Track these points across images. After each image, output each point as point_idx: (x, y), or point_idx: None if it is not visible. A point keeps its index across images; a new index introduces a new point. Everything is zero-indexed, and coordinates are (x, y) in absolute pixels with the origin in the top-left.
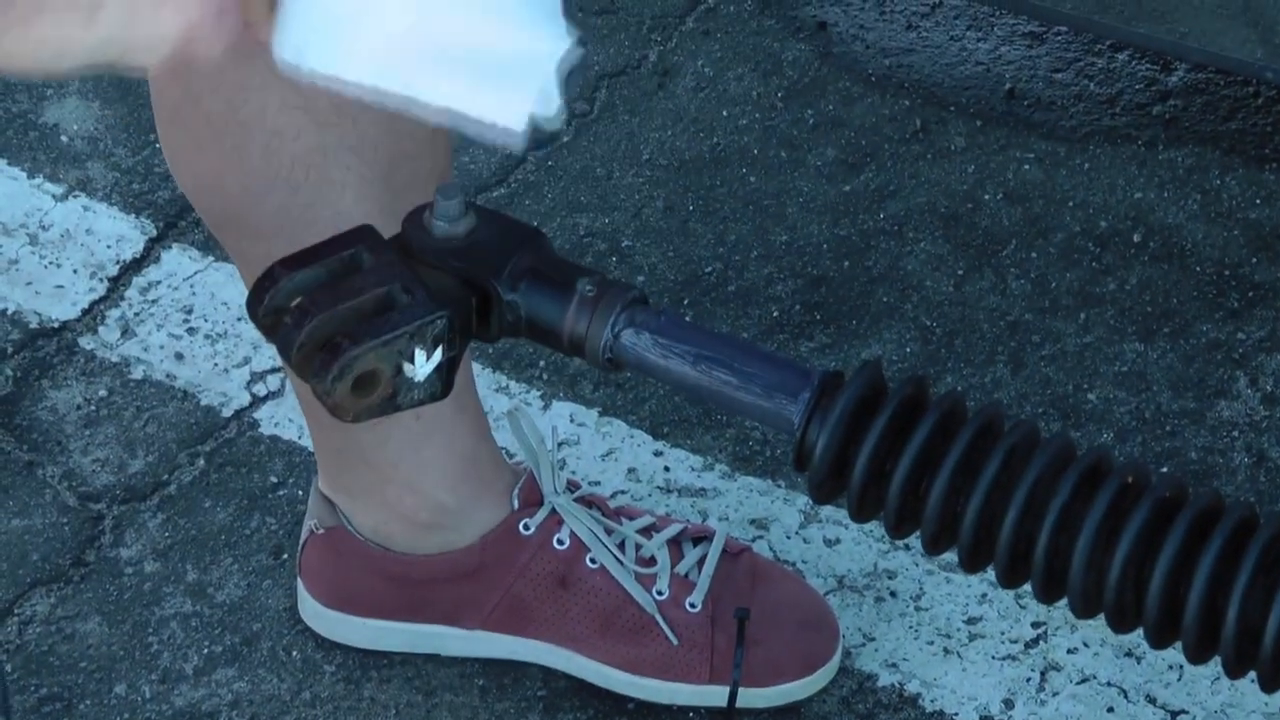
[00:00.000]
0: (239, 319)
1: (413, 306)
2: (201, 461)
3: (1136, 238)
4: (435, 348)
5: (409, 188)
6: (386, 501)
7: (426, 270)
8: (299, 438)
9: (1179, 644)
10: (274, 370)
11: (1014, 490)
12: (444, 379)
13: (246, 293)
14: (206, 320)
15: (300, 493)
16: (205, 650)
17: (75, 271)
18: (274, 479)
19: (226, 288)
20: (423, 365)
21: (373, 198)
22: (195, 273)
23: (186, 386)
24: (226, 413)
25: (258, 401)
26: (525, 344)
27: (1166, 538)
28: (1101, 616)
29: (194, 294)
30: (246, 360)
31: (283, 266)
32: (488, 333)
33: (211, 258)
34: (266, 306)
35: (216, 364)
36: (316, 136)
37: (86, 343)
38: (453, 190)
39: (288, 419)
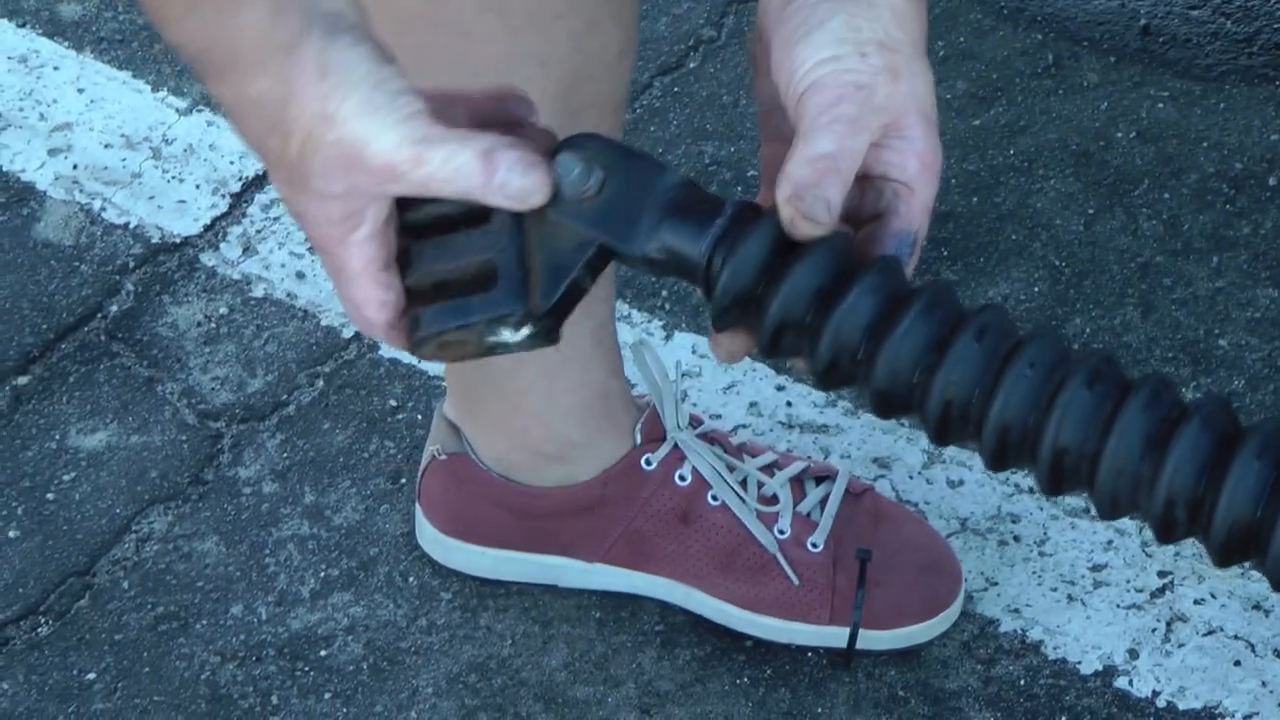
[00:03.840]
0: None
1: (497, 294)
2: (321, 383)
3: (1272, 181)
4: (518, 329)
5: (587, 109)
6: (513, 431)
7: (545, 228)
8: (418, 361)
9: None
10: None
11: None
12: (542, 339)
13: None
14: None
15: (419, 417)
16: (322, 573)
17: (198, 187)
18: (393, 402)
19: None
20: (508, 337)
21: (551, 114)
22: None
23: (307, 306)
24: (346, 334)
25: None
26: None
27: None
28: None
29: None
30: None
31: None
32: (626, 263)
33: None
34: (404, 222)
35: None
36: (507, 43)
37: (208, 259)
38: (572, 146)
39: None
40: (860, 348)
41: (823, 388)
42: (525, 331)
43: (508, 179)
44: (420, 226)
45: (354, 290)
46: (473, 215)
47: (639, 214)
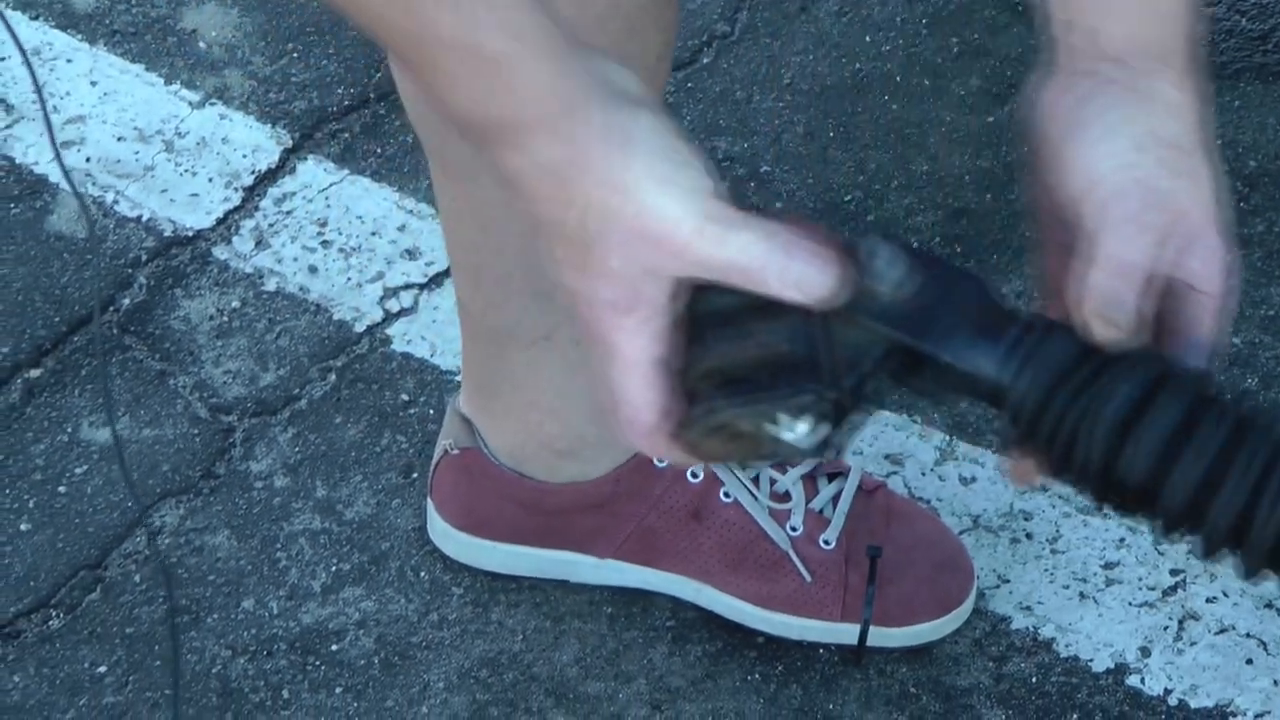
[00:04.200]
0: (373, 233)
1: (792, 374)
2: (333, 376)
3: None
4: (803, 415)
5: None
6: (528, 426)
7: (847, 325)
8: (431, 356)
9: None
10: (407, 287)
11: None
12: (820, 442)
13: (384, 206)
14: (341, 233)
15: (431, 411)
16: (333, 568)
17: (210, 180)
18: (405, 397)
19: (362, 201)
20: (792, 431)
21: None
22: (330, 185)
23: (319, 300)
24: (359, 328)
25: (390, 318)
26: None
27: None
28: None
29: (329, 206)
30: (380, 275)
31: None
32: (924, 388)
33: (347, 170)
34: (688, 311)
35: (350, 278)
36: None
37: (220, 253)
38: (890, 248)
39: (420, 336)
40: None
41: (1104, 508)
42: (813, 427)
43: (804, 271)
44: (700, 318)
45: (623, 384)
46: (759, 309)
47: (949, 321)
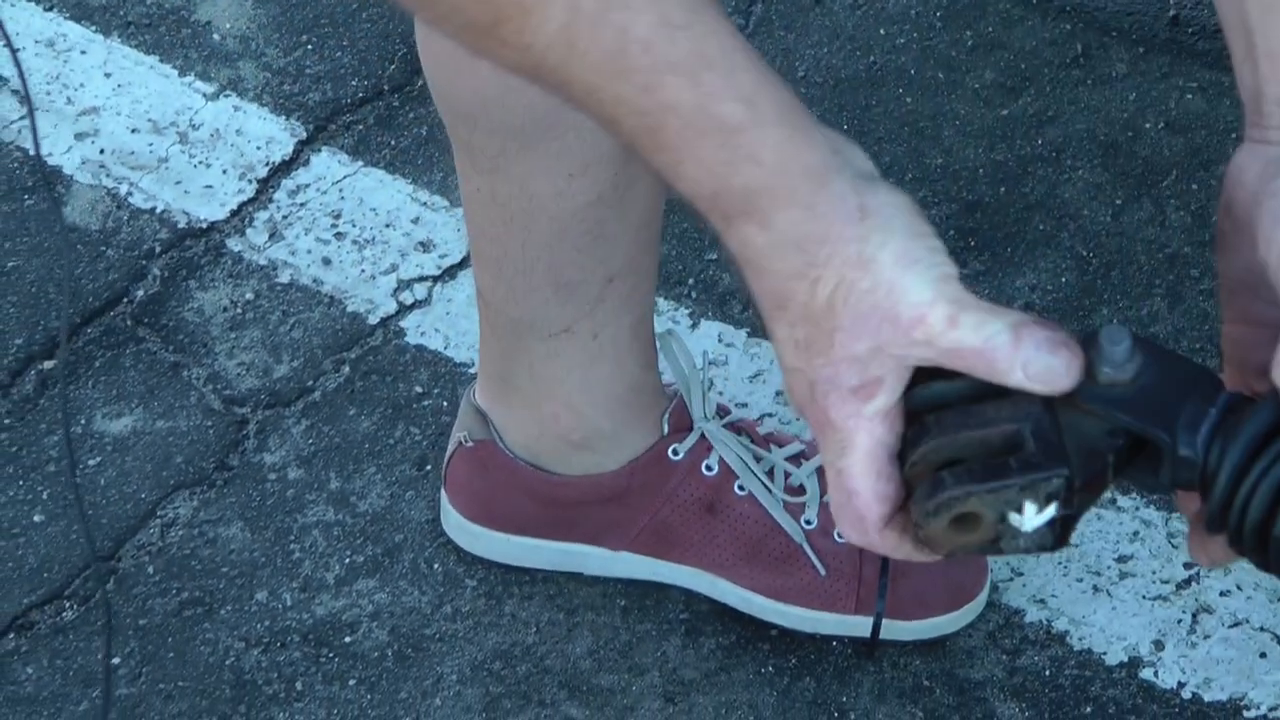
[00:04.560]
0: (387, 225)
1: (1034, 457)
2: (346, 369)
3: None
4: (1049, 503)
5: None
6: (542, 418)
7: (1074, 412)
8: (444, 348)
9: None
10: (421, 279)
11: None
12: (1056, 533)
13: (398, 198)
14: (354, 225)
15: (445, 404)
16: (347, 560)
17: (224, 172)
18: (419, 389)
19: (376, 193)
20: (1031, 518)
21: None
22: (344, 177)
23: (333, 292)
24: (372, 320)
25: (404, 310)
26: (673, 260)
27: None
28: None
29: (342, 199)
30: (394, 267)
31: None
32: (1155, 483)
33: (361, 162)
34: (909, 404)
35: (363, 270)
36: None
37: (234, 244)
38: (1120, 334)
39: (434, 329)
40: None
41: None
42: (1048, 514)
43: (1035, 356)
44: (918, 407)
45: (857, 475)
46: (979, 399)
47: (1177, 410)
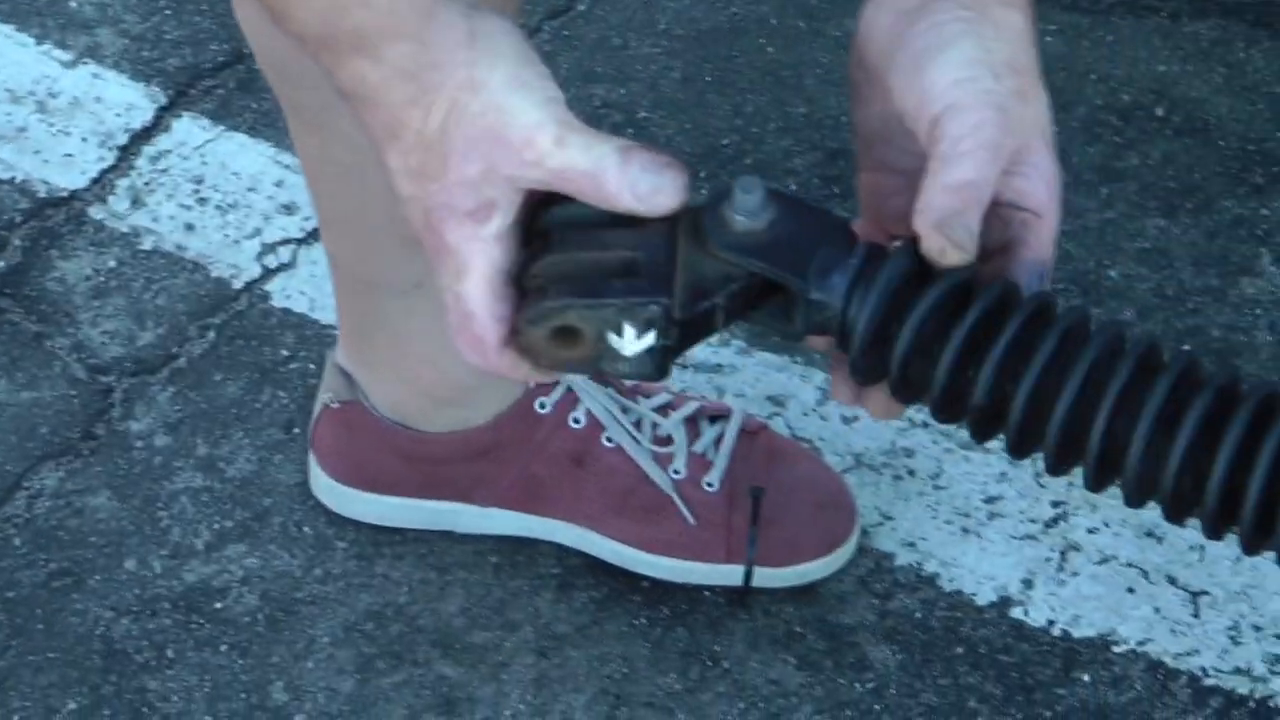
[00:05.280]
0: (250, 189)
1: (638, 282)
2: (212, 334)
3: (1160, 112)
4: (648, 329)
5: None
6: (406, 376)
7: (704, 256)
8: (310, 310)
9: (1197, 524)
10: (285, 242)
11: (1069, 375)
12: (657, 362)
13: (260, 161)
14: (217, 190)
15: (312, 366)
16: (216, 525)
17: (84, 140)
18: (285, 352)
19: (238, 157)
20: (631, 342)
21: None
22: (206, 142)
23: (196, 258)
24: (237, 284)
25: (269, 273)
26: None
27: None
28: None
29: (205, 164)
30: (257, 231)
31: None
32: (790, 329)
33: (222, 127)
34: (539, 224)
35: (227, 235)
36: None
37: (95, 212)
38: (754, 184)
39: (299, 291)
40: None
41: (941, 419)
42: (649, 341)
43: (641, 176)
44: (547, 231)
45: (470, 299)
46: (609, 226)
47: (809, 256)
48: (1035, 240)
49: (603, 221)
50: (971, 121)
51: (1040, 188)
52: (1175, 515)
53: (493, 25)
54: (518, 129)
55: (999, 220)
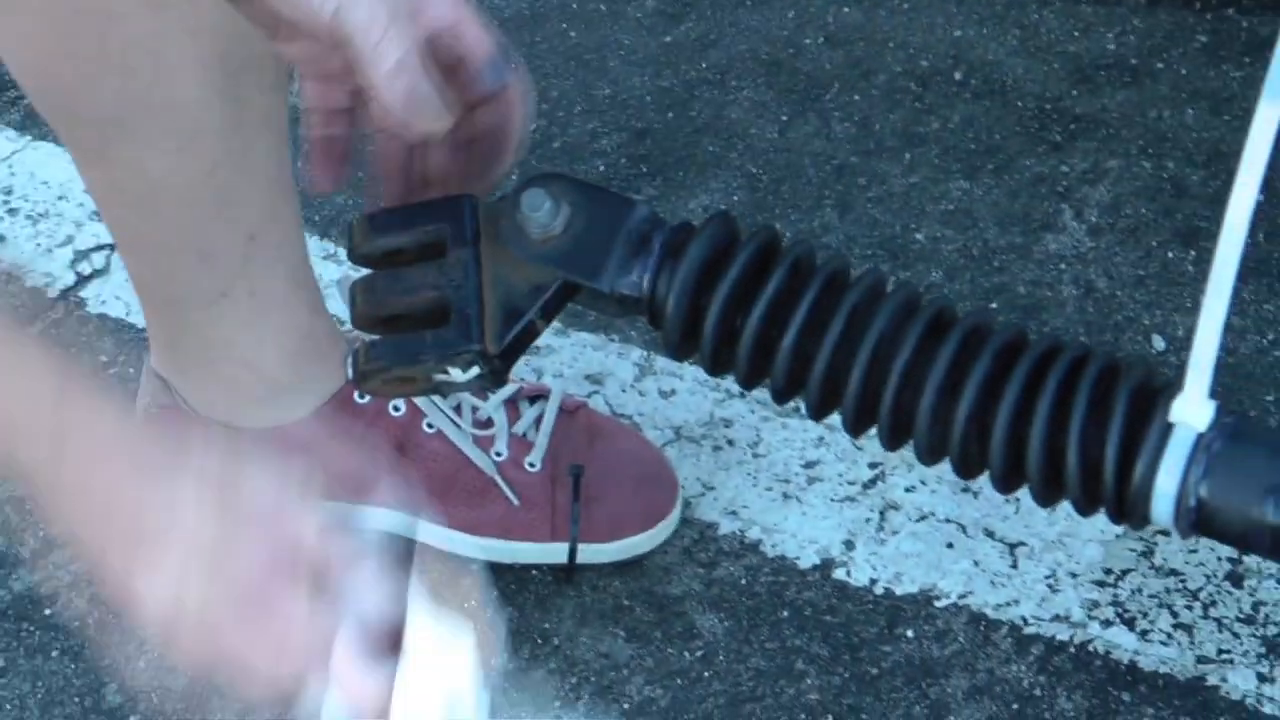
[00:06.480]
0: (60, 197)
1: (448, 334)
2: None
3: (958, 75)
4: (470, 366)
5: (246, 69)
6: (221, 379)
7: (506, 265)
8: (127, 315)
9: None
10: (98, 248)
11: (860, 344)
12: (490, 380)
13: (69, 169)
14: (27, 200)
15: (132, 370)
16: (40, 533)
17: None
18: (104, 358)
19: (46, 166)
20: (459, 375)
21: (210, 83)
22: (13, 152)
23: (9, 269)
24: (52, 293)
25: (83, 280)
26: (350, 210)
27: (1007, 386)
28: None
29: (13, 174)
30: (70, 239)
31: (371, 220)
32: (608, 310)
33: (29, 136)
34: (356, 252)
35: (39, 244)
36: (151, 20)
37: None
38: (538, 196)
39: (115, 296)
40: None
41: (711, 372)
42: (474, 371)
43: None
44: (373, 259)
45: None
46: (428, 249)
47: (608, 251)
48: (471, 44)
49: (415, 250)
50: (364, 10)
51: (445, 10)
52: (965, 472)
53: None
54: None
55: (440, 50)
